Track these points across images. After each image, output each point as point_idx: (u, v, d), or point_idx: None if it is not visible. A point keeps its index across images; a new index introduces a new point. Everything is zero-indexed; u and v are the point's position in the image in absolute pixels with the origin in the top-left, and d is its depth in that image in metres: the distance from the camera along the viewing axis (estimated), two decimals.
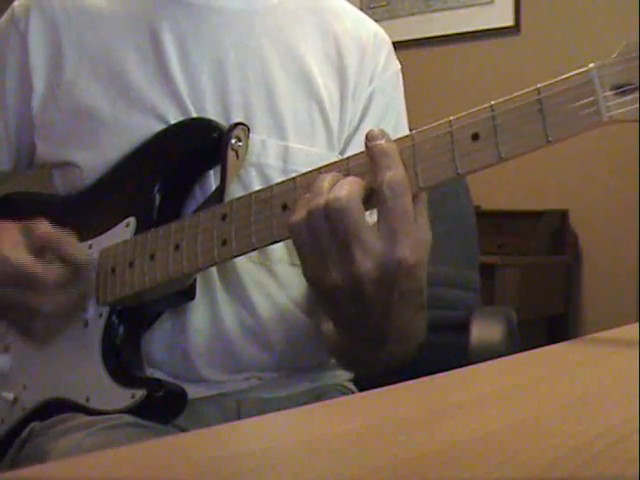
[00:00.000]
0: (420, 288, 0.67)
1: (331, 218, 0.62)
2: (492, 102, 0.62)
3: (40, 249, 0.80)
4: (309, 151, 0.88)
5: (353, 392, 0.96)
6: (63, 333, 0.85)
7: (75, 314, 0.84)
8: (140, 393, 0.78)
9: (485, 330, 1.24)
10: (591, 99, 0.59)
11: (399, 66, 0.99)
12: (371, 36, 0.97)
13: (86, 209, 0.89)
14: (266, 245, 0.73)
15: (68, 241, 0.82)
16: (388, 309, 0.66)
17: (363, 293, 0.64)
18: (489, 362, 0.54)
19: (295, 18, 0.94)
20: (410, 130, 0.67)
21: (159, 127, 0.85)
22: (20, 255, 0.79)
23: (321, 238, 0.63)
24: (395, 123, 0.95)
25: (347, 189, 0.62)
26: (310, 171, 0.70)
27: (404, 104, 0.99)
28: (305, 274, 0.67)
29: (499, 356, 0.57)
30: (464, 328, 1.25)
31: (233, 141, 0.82)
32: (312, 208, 0.63)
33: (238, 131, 0.82)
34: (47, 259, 0.80)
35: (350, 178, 0.64)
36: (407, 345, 0.75)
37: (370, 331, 0.70)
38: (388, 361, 0.77)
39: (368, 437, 0.36)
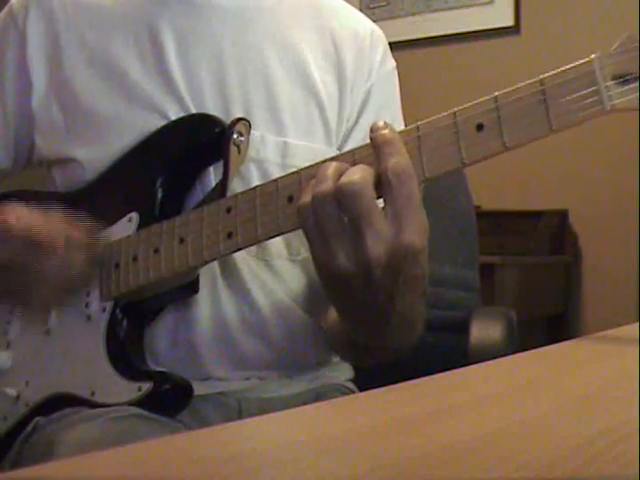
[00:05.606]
0: (423, 274, 0.67)
1: (344, 202, 0.62)
2: (496, 93, 0.63)
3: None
4: (308, 146, 0.88)
5: (353, 392, 0.96)
6: (66, 326, 0.85)
7: (81, 285, 0.83)
8: (147, 386, 0.78)
9: (485, 330, 1.24)
10: (593, 89, 0.60)
11: (394, 63, 1.00)
12: (367, 33, 0.98)
13: (88, 205, 0.88)
14: (272, 237, 0.74)
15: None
16: (393, 294, 0.67)
17: (371, 278, 0.64)
18: (489, 362, 0.54)
19: (292, 15, 0.94)
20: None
21: (160, 123, 0.85)
22: (31, 217, 0.79)
23: (326, 222, 0.63)
24: (392, 118, 0.95)
25: (360, 173, 0.63)
26: (315, 164, 0.70)
27: (399, 101, 0.99)
28: (313, 259, 0.67)
29: (499, 356, 0.57)
30: (464, 328, 1.25)
31: (235, 136, 0.82)
32: (317, 192, 0.63)
33: (240, 126, 0.83)
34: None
35: (360, 165, 0.64)
36: (408, 332, 0.75)
37: (373, 316, 0.70)
38: (390, 349, 0.77)
39: (368, 437, 0.36)
